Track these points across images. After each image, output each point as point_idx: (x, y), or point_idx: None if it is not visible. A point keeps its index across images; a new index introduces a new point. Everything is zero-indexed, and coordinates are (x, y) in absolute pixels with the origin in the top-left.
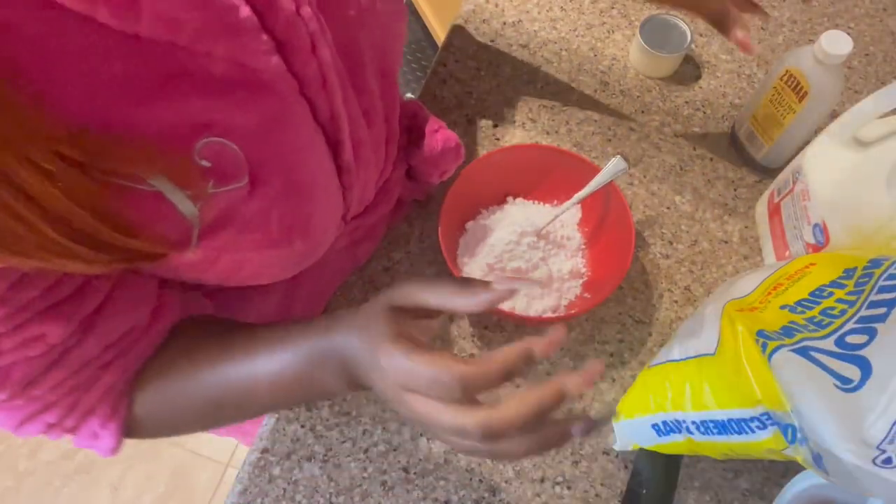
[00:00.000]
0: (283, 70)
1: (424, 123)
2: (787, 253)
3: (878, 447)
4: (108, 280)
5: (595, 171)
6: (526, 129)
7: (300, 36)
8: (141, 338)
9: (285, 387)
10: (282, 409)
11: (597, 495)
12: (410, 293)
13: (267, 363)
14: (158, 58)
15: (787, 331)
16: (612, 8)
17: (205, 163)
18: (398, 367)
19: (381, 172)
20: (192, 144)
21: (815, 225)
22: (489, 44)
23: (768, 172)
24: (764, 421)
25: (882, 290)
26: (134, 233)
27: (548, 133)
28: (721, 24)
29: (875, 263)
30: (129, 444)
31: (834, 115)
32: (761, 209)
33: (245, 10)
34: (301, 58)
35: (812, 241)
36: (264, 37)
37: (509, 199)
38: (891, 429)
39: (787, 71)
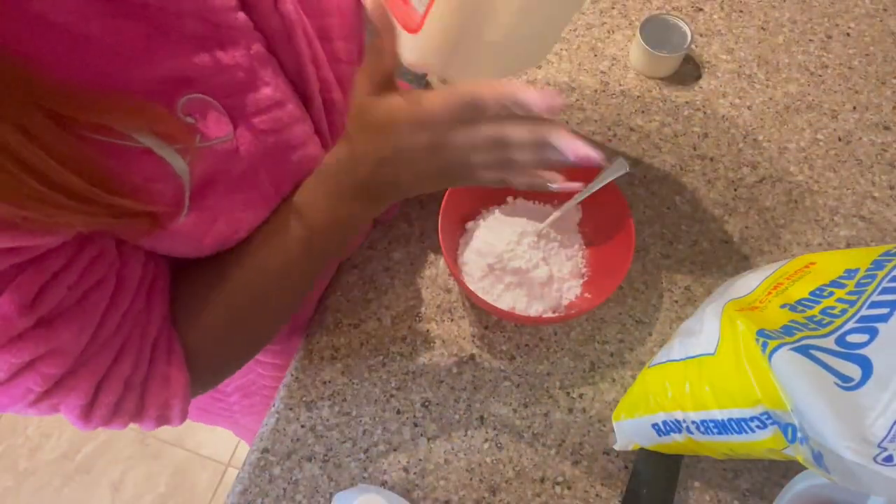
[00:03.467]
0: (250, 27)
1: None
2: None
3: (879, 445)
4: (105, 258)
5: (595, 171)
6: None
7: None
8: (147, 308)
9: (319, 238)
10: (319, 270)
11: (597, 495)
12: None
13: (295, 227)
14: (134, 18)
15: (788, 329)
16: (612, 8)
17: (189, 119)
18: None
19: None
20: (174, 101)
21: None
22: None
23: None
24: (764, 420)
25: (885, 290)
26: (123, 191)
27: None
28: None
29: (878, 265)
30: (129, 443)
31: None
32: None
33: None
34: (263, 12)
35: None
36: None
37: (509, 199)
38: (892, 427)
39: None
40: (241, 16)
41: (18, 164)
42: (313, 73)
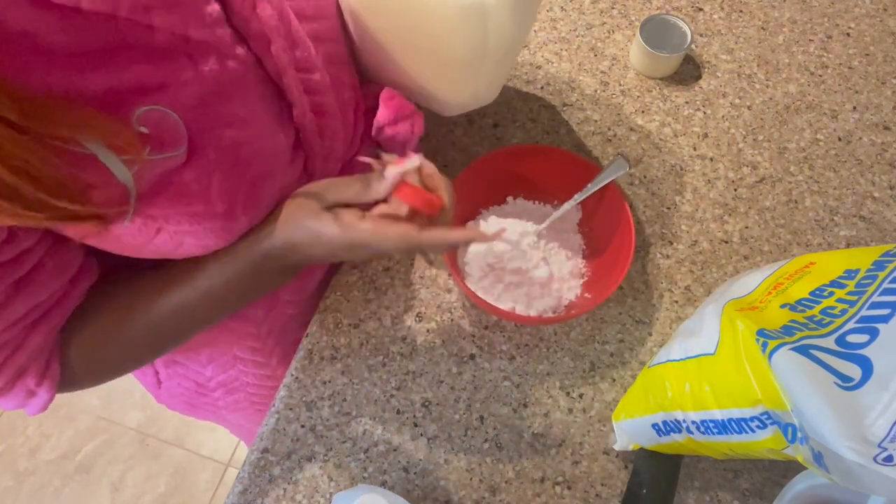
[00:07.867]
0: (227, 42)
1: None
2: None
3: (879, 445)
4: (42, 245)
5: (595, 171)
6: (526, 129)
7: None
8: (63, 298)
9: (223, 292)
10: (215, 318)
11: (597, 495)
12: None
13: (211, 275)
14: (100, 29)
15: (788, 329)
16: (612, 8)
17: (143, 129)
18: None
19: (349, 145)
20: (130, 111)
21: None
22: None
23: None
24: (764, 420)
25: (886, 291)
26: (65, 193)
27: (548, 133)
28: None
29: (879, 266)
30: (129, 443)
31: None
32: None
33: None
34: (244, 16)
35: None
36: (209, 9)
37: (509, 199)
38: (892, 427)
39: None
40: (223, 31)
41: None
42: (294, 79)
